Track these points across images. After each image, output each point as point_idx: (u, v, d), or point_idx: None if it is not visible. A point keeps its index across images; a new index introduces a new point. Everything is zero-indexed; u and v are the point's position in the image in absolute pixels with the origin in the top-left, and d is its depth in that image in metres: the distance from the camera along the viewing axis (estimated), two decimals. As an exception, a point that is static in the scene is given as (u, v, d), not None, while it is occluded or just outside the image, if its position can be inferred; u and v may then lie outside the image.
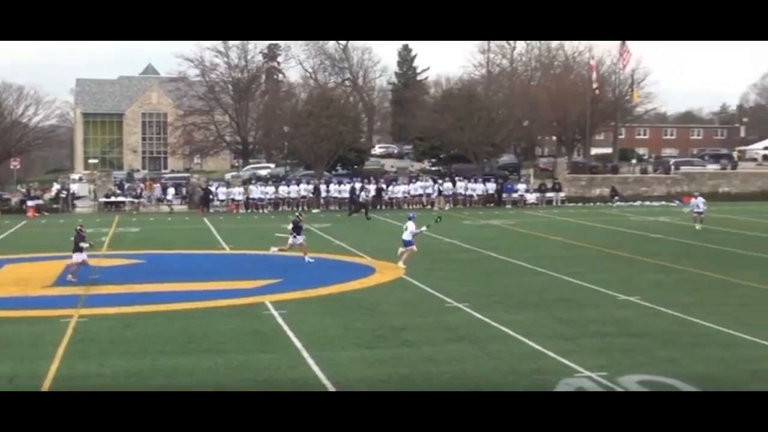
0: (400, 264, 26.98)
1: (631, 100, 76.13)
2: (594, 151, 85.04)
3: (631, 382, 14.01)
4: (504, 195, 55.85)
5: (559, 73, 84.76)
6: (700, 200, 39.89)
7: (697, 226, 38.57)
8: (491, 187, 56.51)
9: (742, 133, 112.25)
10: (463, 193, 55.54)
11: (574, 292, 22.83)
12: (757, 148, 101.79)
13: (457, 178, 56.79)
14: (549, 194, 56.52)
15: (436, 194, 54.69)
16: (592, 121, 71.29)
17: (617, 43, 67.20)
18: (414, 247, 27.44)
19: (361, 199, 50.17)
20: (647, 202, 56.37)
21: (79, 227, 25.91)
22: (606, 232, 38.73)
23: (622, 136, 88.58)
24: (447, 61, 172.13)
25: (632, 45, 66.50)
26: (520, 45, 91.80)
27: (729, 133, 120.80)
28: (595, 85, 67.96)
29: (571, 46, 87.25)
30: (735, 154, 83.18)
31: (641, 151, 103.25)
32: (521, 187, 57.49)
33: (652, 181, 60.66)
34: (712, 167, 68.59)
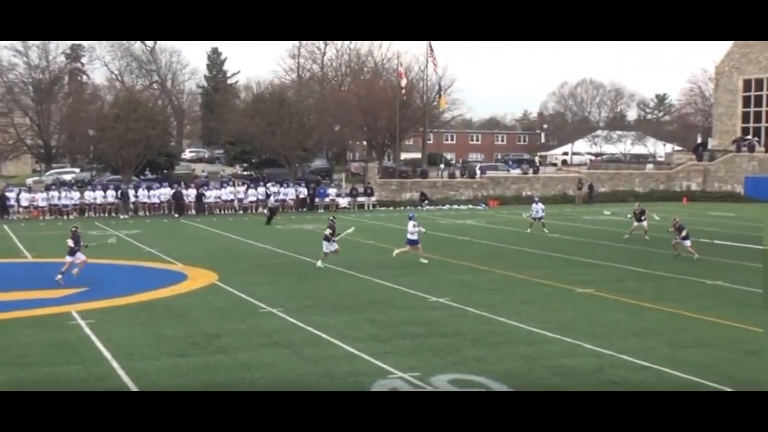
0: (397, 251, 29.81)
1: (438, 106, 78.14)
2: (404, 155, 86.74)
3: (442, 382, 14.40)
4: (316, 200, 56.14)
5: (369, 78, 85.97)
6: (540, 206, 41.04)
7: (528, 230, 39.94)
8: (303, 191, 56.66)
9: (543, 139, 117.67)
10: (274, 198, 55.30)
11: (386, 295, 23.21)
12: (557, 153, 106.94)
13: (269, 183, 56.58)
14: (361, 198, 57.22)
15: (263, 197, 54.29)
16: (402, 127, 72.68)
17: (425, 50, 68.69)
18: (419, 245, 29.63)
19: (270, 205, 49.19)
20: (455, 206, 58.02)
21: (74, 228, 26.35)
22: (416, 235, 39.55)
23: (431, 141, 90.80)
24: (257, 65, 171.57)
25: (439, 52, 68.26)
26: (330, 50, 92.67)
27: (530, 139, 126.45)
28: (402, 91, 69.37)
29: (380, 52, 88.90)
30: (537, 159, 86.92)
31: (449, 155, 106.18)
32: (333, 191, 57.95)
33: (460, 185, 62.46)
34: (516, 172, 71.38)
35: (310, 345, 17.18)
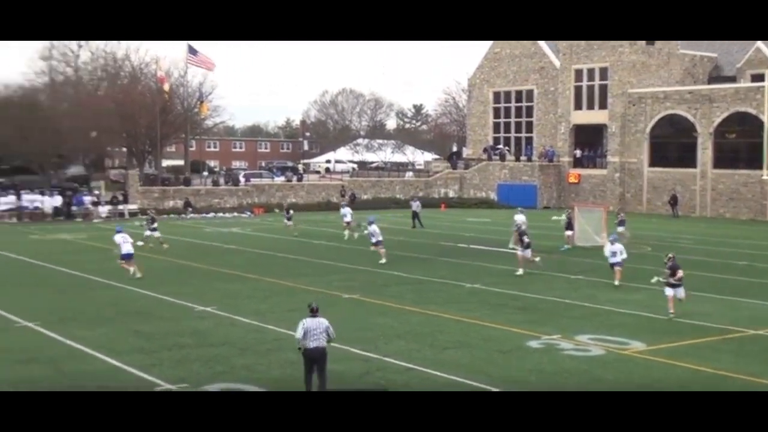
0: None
1: (200, 113, 77.24)
2: (166, 163, 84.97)
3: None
4: (74, 208, 53.88)
5: (127, 83, 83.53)
6: (347, 210, 42.08)
7: (348, 234, 40.44)
8: (59, 199, 54.22)
9: (306, 147, 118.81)
10: (29, 206, 52.68)
11: (150, 305, 22.67)
12: (320, 161, 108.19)
13: (22, 191, 53.72)
14: (121, 206, 55.52)
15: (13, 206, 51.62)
16: (163, 133, 71.25)
17: (185, 55, 67.35)
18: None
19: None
20: (220, 214, 57.46)
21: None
22: (181, 243, 38.84)
23: (193, 149, 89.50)
24: (4, 67, 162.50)
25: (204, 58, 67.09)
26: (85, 53, 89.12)
27: (294, 147, 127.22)
28: (166, 96, 68.03)
29: (137, 56, 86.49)
30: (300, 167, 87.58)
31: (212, 163, 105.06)
32: (88, 199, 55.82)
33: (224, 192, 61.93)
34: (280, 179, 71.56)
35: (71, 360, 16.51)
